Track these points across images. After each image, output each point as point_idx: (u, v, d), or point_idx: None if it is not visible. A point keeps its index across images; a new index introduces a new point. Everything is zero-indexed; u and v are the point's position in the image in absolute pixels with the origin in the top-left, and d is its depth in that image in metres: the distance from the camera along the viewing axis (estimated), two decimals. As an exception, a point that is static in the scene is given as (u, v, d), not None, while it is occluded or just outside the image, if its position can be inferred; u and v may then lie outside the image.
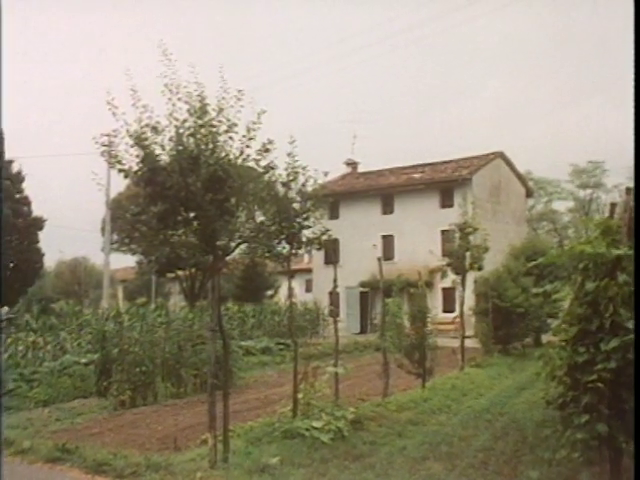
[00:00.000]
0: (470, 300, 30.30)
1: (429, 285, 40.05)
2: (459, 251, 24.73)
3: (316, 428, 12.68)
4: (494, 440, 12.74)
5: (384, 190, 54.78)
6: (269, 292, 59.54)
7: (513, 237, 49.49)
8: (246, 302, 44.03)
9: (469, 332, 28.90)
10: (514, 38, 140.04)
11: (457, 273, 25.12)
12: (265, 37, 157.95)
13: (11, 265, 52.30)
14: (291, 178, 13.29)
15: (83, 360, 21.56)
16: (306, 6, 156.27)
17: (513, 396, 18.47)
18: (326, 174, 14.09)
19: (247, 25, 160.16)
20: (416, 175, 54.91)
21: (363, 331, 50.10)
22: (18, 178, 55.11)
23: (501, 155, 55.90)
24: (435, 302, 42.59)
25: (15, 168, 55.26)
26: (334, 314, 21.02)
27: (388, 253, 50.54)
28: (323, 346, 31.73)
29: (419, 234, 50.47)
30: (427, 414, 15.64)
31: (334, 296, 21.50)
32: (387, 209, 54.35)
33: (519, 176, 59.41)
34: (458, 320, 26.64)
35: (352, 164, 62.66)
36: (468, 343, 26.21)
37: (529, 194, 64.40)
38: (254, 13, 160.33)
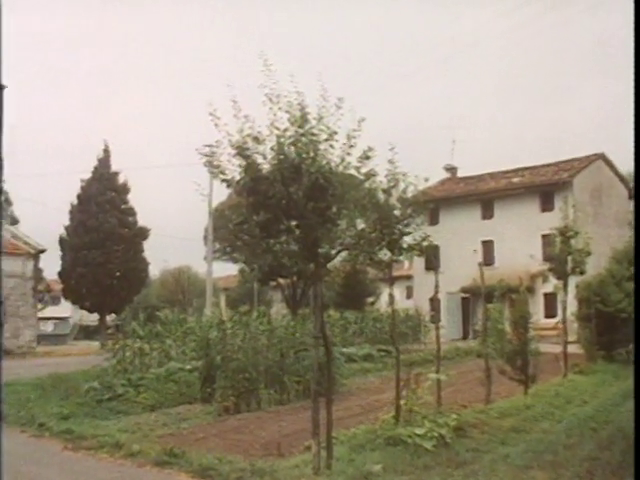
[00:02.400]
0: (572, 305, 29.79)
1: (530, 290, 39.40)
2: (560, 255, 24.34)
3: (419, 435, 12.62)
4: (600, 449, 12.45)
5: (484, 195, 54.37)
6: (370, 299, 59.38)
7: (615, 240, 48.38)
8: (347, 309, 44.01)
9: (572, 338, 28.43)
10: (611, 37, 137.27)
11: (559, 278, 24.74)
12: (363, 45, 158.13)
13: (117, 274, 53.49)
14: (392, 185, 13.30)
15: (188, 367, 21.89)
16: (402, 13, 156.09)
17: (618, 404, 18.03)
18: (426, 180, 14.07)
19: (344, 33, 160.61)
20: (516, 179, 54.33)
21: (464, 337, 49.74)
22: (124, 189, 56.42)
23: (602, 156, 54.88)
24: (537, 307, 42.08)
25: (121, 179, 56.62)
26: (435, 320, 20.95)
27: (488, 258, 50.11)
28: (424, 352, 31.57)
29: (519, 239, 49.91)
30: (530, 421, 15.43)
31: (435, 302, 21.45)
32: (487, 214, 53.93)
33: (621, 177, 58.15)
34: (560, 326, 26.21)
35: (451, 169, 62.35)
36: (571, 349, 25.74)
37: (632, 195, 63.03)
38: (351, 23, 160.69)
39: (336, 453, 11.54)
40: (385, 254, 13.84)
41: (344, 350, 28.82)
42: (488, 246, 52.84)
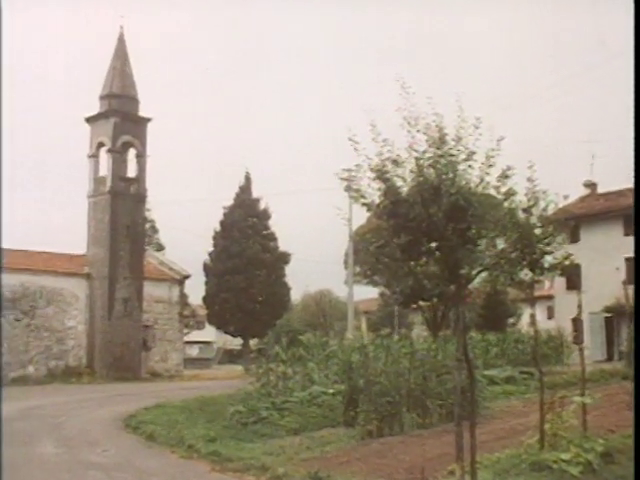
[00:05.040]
0: None
1: (678, 308, 38.07)
2: None
3: (564, 460, 12.29)
4: None
5: (625, 210, 52.83)
6: (511, 320, 58.61)
7: None
8: (488, 330, 43.56)
9: None
10: None
11: None
12: (499, 61, 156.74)
13: (260, 299, 54.42)
14: (531, 203, 13.13)
15: (330, 390, 21.96)
16: (535, 26, 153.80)
17: None
18: (566, 197, 13.87)
19: (480, 51, 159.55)
20: (658, 193, 52.67)
21: (609, 359, 48.34)
22: (265, 215, 57.52)
23: None
24: (687, 326, 40.54)
25: (262, 205, 57.73)
26: (579, 341, 20.46)
27: (632, 276, 48.66)
28: (568, 375, 30.83)
29: (665, 254, 48.29)
30: (683, 447, 14.84)
31: (578, 322, 20.92)
32: (629, 230, 52.35)
33: None
34: None
35: (591, 185, 60.91)
36: None
37: None
38: (486, 41, 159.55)
39: (480, 478, 11.38)
40: (526, 274, 13.66)
41: (486, 372, 28.49)
42: (631, 263, 51.28)
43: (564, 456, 12.40)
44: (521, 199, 12.83)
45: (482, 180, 10.71)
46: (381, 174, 10.56)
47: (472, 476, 10.97)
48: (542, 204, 13.35)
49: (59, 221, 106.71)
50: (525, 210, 13.02)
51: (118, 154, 46.56)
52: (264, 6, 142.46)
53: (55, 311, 44.48)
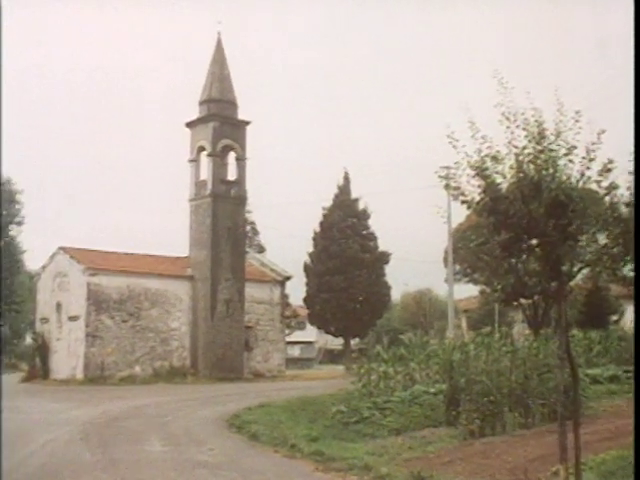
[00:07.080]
0: None
1: None
2: None
3: (672, 464, 12.00)
4: None
5: None
6: (614, 317, 57.33)
7: None
8: (590, 328, 42.74)
9: None
10: None
11: None
12: (600, 52, 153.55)
13: (360, 299, 54.45)
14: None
15: (432, 390, 21.86)
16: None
17: None
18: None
19: (577, 42, 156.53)
20: None
21: None
22: (364, 215, 57.56)
23: None
24: None
25: (361, 205, 57.80)
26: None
27: None
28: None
29: None
30: None
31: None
32: None
33: None
34: None
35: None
36: None
37: None
38: (582, 32, 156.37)
39: (585, 479, 11.19)
40: (629, 270, 13.37)
41: (588, 371, 28.00)
42: None
43: (671, 459, 12.09)
44: (623, 193, 12.57)
45: (583, 175, 10.56)
46: (480, 171, 10.50)
47: (577, 477, 10.82)
48: (645, 197, 13.06)
49: (162, 225, 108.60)
50: (628, 204, 12.75)
51: (218, 158, 47.03)
52: (357, 7, 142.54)
53: (159, 312, 45.31)
